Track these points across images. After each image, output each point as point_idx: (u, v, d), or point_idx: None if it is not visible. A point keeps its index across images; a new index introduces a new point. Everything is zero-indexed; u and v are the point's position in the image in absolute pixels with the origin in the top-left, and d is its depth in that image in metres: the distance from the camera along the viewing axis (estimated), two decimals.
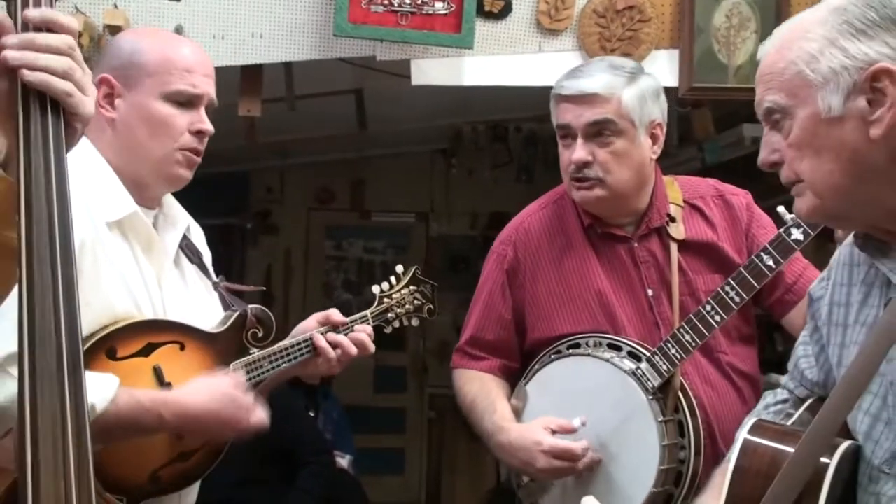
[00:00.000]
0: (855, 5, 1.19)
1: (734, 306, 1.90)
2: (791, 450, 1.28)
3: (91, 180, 1.61)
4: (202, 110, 1.72)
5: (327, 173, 6.38)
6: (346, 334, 1.87)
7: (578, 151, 1.98)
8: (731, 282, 1.90)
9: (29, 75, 1.03)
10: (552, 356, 2.04)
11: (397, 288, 2.04)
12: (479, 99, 3.95)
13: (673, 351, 1.91)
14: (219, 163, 4.97)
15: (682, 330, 1.91)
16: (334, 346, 1.85)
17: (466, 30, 2.54)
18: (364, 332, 1.89)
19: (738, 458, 1.36)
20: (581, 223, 2.09)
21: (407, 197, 6.51)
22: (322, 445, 3.88)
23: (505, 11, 2.63)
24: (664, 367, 1.91)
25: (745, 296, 1.89)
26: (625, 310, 2.03)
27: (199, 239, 1.89)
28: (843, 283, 1.40)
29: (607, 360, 1.95)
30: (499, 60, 2.67)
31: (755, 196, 2.15)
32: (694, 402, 1.95)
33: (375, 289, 2.03)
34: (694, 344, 1.91)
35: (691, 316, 1.92)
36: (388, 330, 2.03)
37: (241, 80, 2.67)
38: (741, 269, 1.91)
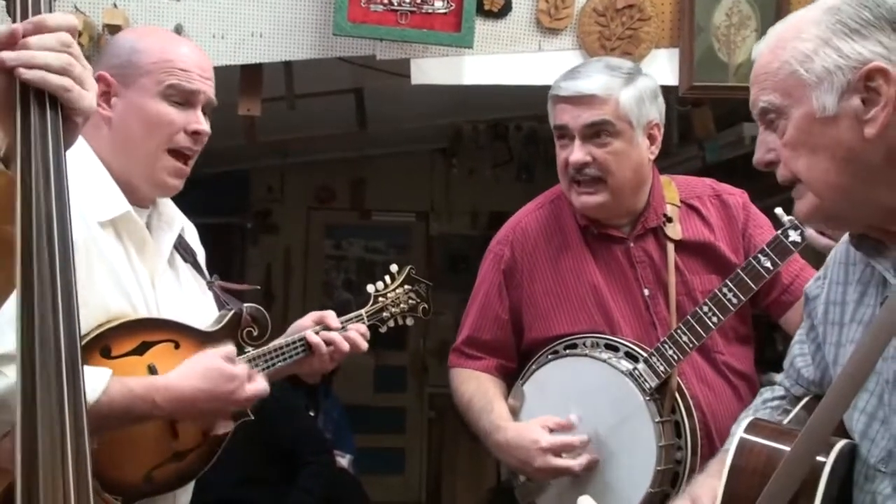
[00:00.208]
0: (849, 5, 1.20)
1: (731, 308, 1.90)
2: (787, 448, 1.28)
3: (84, 179, 1.60)
4: (199, 111, 1.71)
5: (327, 172, 6.39)
6: (340, 333, 1.87)
7: (576, 153, 1.98)
8: (729, 283, 1.90)
9: (25, 73, 1.04)
10: (549, 356, 2.04)
11: (392, 287, 2.05)
12: (479, 98, 3.94)
13: (670, 352, 1.91)
14: (219, 162, 4.99)
15: (679, 331, 1.91)
16: (327, 343, 1.85)
17: (466, 29, 2.54)
18: (358, 330, 1.90)
19: (734, 457, 1.37)
20: (578, 223, 2.09)
21: (407, 196, 6.51)
22: (322, 445, 3.88)
23: (505, 10, 2.63)
24: (661, 368, 1.91)
25: (742, 297, 1.89)
26: (621, 310, 2.03)
27: (192, 237, 1.88)
28: (839, 282, 1.40)
29: (604, 361, 1.95)
30: (499, 59, 2.66)
31: (755, 195, 2.15)
32: (691, 402, 1.95)
33: (370, 288, 2.03)
34: (691, 345, 1.91)
35: (689, 317, 1.92)
36: (383, 329, 2.03)
37: (240, 80, 2.67)
38: (738, 270, 1.91)
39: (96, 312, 1.54)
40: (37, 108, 1.05)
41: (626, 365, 1.94)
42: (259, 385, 1.68)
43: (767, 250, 1.89)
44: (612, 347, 1.99)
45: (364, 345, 1.90)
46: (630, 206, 2.06)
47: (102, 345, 1.55)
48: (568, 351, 2.02)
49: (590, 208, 2.02)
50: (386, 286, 2.05)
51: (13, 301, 1.04)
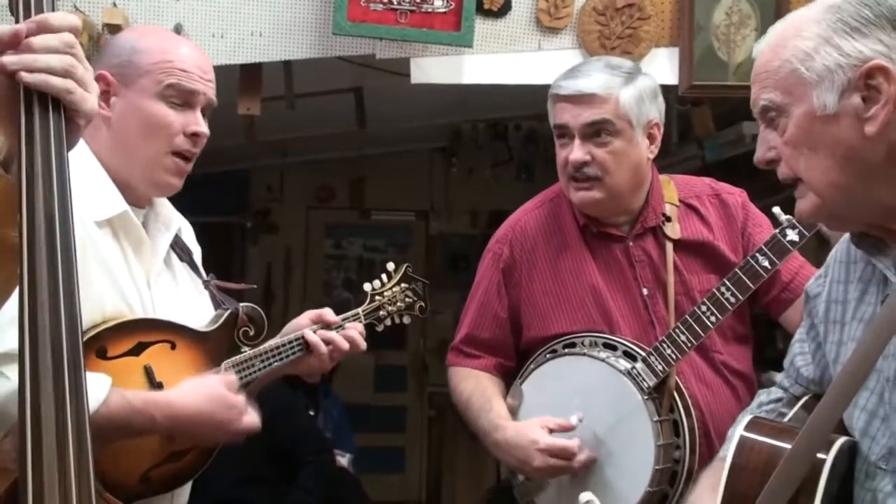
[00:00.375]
0: (849, 3, 1.20)
1: (729, 307, 1.89)
2: (787, 446, 1.28)
3: (81, 178, 1.59)
4: (198, 112, 1.69)
5: (327, 172, 6.39)
6: (337, 332, 1.87)
7: (576, 152, 1.98)
8: (727, 282, 1.90)
9: (27, 77, 1.03)
10: (548, 355, 2.04)
11: (388, 286, 2.04)
12: (478, 97, 3.94)
13: (668, 351, 1.91)
14: (219, 161, 4.98)
15: (677, 330, 1.91)
16: (325, 342, 1.84)
17: (466, 28, 2.54)
18: (355, 329, 1.89)
19: (734, 455, 1.37)
20: (577, 222, 2.09)
21: (407, 195, 6.51)
22: (322, 444, 3.88)
23: (504, 9, 2.63)
24: (659, 367, 1.91)
25: (740, 296, 1.89)
26: (620, 309, 2.03)
27: (189, 236, 1.88)
28: (840, 280, 1.40)
29: (603, 360, 1.95)
30: (498, 58, 2.66)
31: (754, 194, 2.15)
32: (689, 401, 1.95)
33: (367, 286, 2.02)
34: (689, 344, 1.91)
35: (687, 316, 1.92)
36: (380, 328, 2.02)
37: (240, 79, 2.66)
38: (737, 269, 1.91)
39: (92, 312, 1.53)
40: (40, 109, 1.05)
41: (624, 364, 1.94)
42: (252, 419, 1.67)
43: (765, 249, 1.89)
44: (610, 346, 1.98)
45: (363, 343, 1.89)
46: (629, 206, 2.06)
47: (98, 345, 1.54)
48: (566, 350, 2.02)
49: (587, 204, 2.02)
50: (383, 284, 2.04)
51: (14, 301, 1.04)
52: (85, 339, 1.49)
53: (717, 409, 1.99)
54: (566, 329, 2.04)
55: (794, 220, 1.85)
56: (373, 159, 6.16)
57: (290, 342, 1.83)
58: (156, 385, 1.60)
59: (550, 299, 2.07)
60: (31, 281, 1.01)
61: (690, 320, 1.91)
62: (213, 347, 1.69)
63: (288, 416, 3.63)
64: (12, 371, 1.33)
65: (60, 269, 1.03)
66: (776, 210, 1.89)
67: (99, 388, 1.47)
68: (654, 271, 2.04)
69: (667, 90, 2.15)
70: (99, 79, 1.64)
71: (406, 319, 2.07)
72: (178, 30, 2.45)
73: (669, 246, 2.04)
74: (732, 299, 1.89)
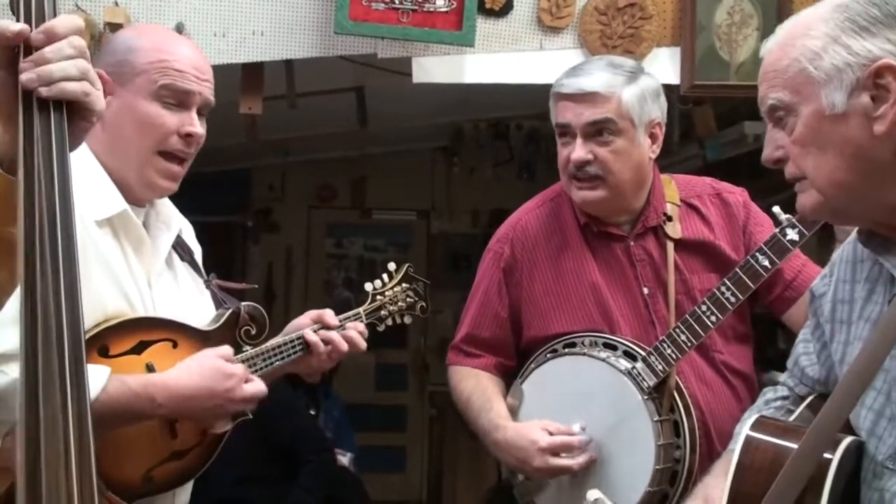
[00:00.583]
0: (858, 2, 1.19)
1: (730, 306, 1.89)
2: (794, 446, 1.27)
3: (81, 177, 1.58)
4: (193, 112, 1.68)
5: (328, 171, 6.39)
6: (338, 331, 1.86)
7: (578, 151, 1.97)
8: (727, 282, 1.89)
9: (46, 91, 1.04)
10: (548, 355, 2.03)
11: (389, 285, 2.04)
12: (480, 96, 3.94)
13: (669, 351, 1.90)
14: (220, 161, 4.99)
15: (677, 330, 1.91)
16: (325, 342, 1.84)
17: (467, 27, 2.53)
18: (356, 329, 1.89)
19: (740, 455, 1.36)
20: (577, 221, 2.08)
21: (408, 195, 6.52)
22: (323, 443, 3.88)
23: (506, 9, 2.63)
24: (660, 367, 1.91)
25: (740, 296, 1.88)
26: (620, 308, 2.02)
27: (189, 235, 1.87)
28: (847, 280, 1.40)
29: (603, 360, 1.95)
30: (500, 58, 2.66)
31: (756, 194, 2.14)
32: (689, 401, 1.94)
33: (368, 286, 2.02)
34: (690, 344, 1.90)
35: (687, 316, 1.91)
36: (381, 328, 2.02)
37: (241, 78, 2.66)
38: (737, 269, 1.90)
39: (93, 311, 1.53)
40: (39, 108, 1.05)
41: (624, 364, 1.93)
42: (257, 386, 1.67)
43: (766, 249, 1.88)
44: (610, 346, 1.98)
45: (363, 344, 1.88)
46: (630, 205, 2.05)
47: (100, 344, 1.54)
48: (567, 350, 2.02)
49: (589, 203, 2.02)
50: (384, 284, 2.04)
51: (15, 300, 1.04)
52: (86, 337, 1.50)
53: (717, 409, 1.99)
54: (566, 328, 2.03)
55: (794, 220, 1.85)
56: (374, 159, 6.17)
57: (291, 341, 1.83)
58: None
59: (551, 299, 2.07)
60: (31, 280, 1.01)
61: (691, 320, 1.90)
62: (214, 346, 1.68)
63: (289, 415, 3.63)
64: (12, 369, 1.33)
65: (62, 267, 1.03)
66: (776, 209, 1.88)
67: (97, 377, 1.47)
68: (654, 271, 2.04)
69: (668, 90, 2.15)
70: None
71: (407, 319, 2.07)
72: (179, 29, 2.44)
73: (670, 245, 2.04)
74: (733, 299, 1.89)
